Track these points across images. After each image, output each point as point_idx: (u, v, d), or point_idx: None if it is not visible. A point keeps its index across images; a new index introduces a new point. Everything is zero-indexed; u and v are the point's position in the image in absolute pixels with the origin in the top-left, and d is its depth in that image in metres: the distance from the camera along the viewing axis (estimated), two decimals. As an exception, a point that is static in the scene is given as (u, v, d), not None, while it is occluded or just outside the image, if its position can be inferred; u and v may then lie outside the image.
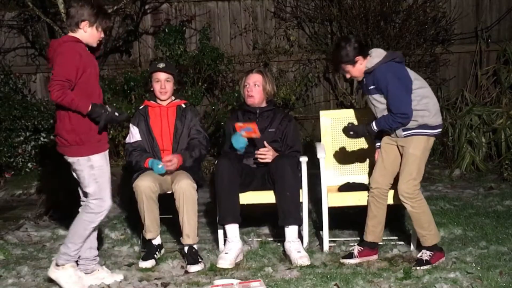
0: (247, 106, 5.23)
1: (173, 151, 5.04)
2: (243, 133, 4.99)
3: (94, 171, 4.16)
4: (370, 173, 4.82)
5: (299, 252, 4.75)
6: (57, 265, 4.28)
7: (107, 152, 4.27)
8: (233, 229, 4.86)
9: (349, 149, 5.28)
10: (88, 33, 4.21)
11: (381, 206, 4.74)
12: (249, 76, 5.23)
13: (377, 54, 4.61)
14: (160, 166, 4.89)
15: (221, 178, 4.86)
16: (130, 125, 5.17)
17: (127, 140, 5.18)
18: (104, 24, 4.25)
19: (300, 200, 4.93)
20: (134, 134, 5.11)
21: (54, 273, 4.29)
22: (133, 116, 5.26)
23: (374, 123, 4.61)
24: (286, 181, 4.83)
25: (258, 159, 5.04)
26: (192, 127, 5.12)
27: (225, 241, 4.93)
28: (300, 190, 4.91)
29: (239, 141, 5.00)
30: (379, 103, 4.59)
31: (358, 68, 4.60)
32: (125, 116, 4.28)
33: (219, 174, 4.87)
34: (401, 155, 4.62)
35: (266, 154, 5.02)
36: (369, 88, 4.59)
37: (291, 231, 4.83)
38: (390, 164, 4.70)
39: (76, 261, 4.36)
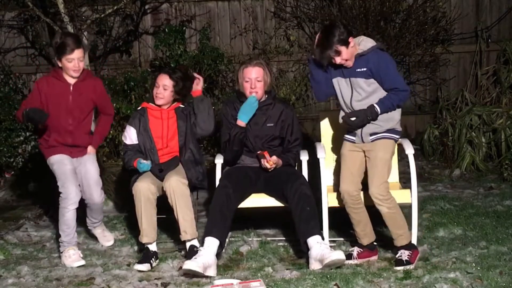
0: (246, 99, 5.09)
1: (180, 151, 5.05)
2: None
3: (53, 167, 5.02)
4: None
5: (329, 249, 4.61)
6: (61, 252, 4.99)
7: (65, 155, 5.02)
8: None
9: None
10: (62, 67, 4.95)
11: (360, 210, 4.73)
12: (249, 70, 5.05)
13: (368, 40, 4.62)
14: (146, 163, 4.92)
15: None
16: (127, 125, 5.16)
17: (123, 139, 5.18)
18: (66, 56, 4.85)
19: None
20: (131, 135, 5.11)
21: (62, 259, 4.95)
22: (131, 117, 5.26)
23: (376, 105, 4.51)
24: (306, 201, 4.75)
25: (265, 167, 4.99)
26: (194, 121, 5.13)
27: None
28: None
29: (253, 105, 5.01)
30: (360, 89, 4.55)
31: (350, 51, 4.51)
32: (42, 117, 4.87)
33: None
34: (366, 160, 4.64)
35: (273, 166, 5.00)
36: (357, 70, 4.53)
37: (315, 238, 4.66)
38: (357, 171, 4.69)
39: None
